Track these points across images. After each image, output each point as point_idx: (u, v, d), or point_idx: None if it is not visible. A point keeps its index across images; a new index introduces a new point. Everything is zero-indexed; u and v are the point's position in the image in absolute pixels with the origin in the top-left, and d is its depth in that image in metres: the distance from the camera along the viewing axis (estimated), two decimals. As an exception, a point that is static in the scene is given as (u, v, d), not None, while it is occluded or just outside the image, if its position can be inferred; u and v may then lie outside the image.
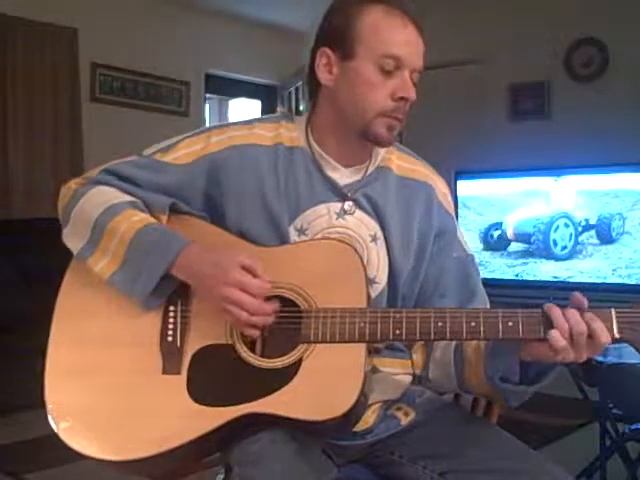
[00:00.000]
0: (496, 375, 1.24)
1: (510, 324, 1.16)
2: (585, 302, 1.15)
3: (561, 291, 4.59)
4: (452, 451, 1.30)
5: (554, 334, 1.12)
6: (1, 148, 4.60)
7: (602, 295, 4.32)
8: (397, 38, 1.28)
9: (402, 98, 1.28)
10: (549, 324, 1.13)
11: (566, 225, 4.74)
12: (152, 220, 1.28)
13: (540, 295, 4.64)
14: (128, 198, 1.31)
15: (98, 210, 1.28)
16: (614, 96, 4.83)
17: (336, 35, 1.30)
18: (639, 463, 2.56)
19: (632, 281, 4.50)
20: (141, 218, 1.27)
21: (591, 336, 1.12)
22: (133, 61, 5.22)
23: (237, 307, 1.18)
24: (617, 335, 1.13)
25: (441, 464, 1.30)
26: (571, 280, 4.70)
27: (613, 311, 1.14)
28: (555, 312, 1.14)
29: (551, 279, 4.78)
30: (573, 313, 1.13)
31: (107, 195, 1.31)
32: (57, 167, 4.76)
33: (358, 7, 1.30)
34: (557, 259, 4.77)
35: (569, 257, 4.73)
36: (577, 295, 1.16)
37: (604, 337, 1.12)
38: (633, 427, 2.52)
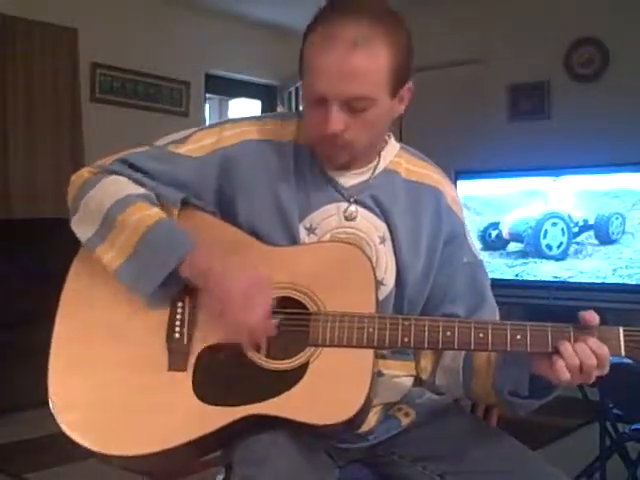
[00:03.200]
0: (505, 388, 1.24)
1: (518, 337, 1.15)
2: (596, 319, 1.14)
3: (561, 291, 4.60)
4: (452, 452, 1.30)
5: (565, 375, 1.12)
6: (1, 148, 4.59)
7: (602, 295, 4.33)
8: (316, 69, 1.20)
9: (323, 130, 1.22)
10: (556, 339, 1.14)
11: (554, 224, 4.74)
12: (164, 215, 1.27)
13: (540, 295, 4.65)
14: (141, 190, 1.29)
15: (110, 200, 1.26)
16: (614, 96, 4.83)
17: (300, 57, 1.27)
18: (639, 463, 2.56)
19: (632, 281, 4.51)
20: (154, 212, 1.26)
21: (599, 363, 1.13)
22: (133, 61, 5.22)
23: (236, 319, 1.17)
24: (624, 354, 1.14)
25: (441, 465, 1.30)
26: (571, 280, 4.70)
27: (621, 330, 1.14)
28: (565, 347, 1.13)
29: (551, 279, 4.78)
30: (582, 348, 1.13)
31: (120, 186, 1.29)
32: (57, 167, 4.75)
33: (309, 29, 1.24)
34: (551, 259, 4.77)
35: (567, 257, 4.73)
36: (586, 315, 1.15)
37: (607, 360, 1.13)
38: (633, 427, 2.52)
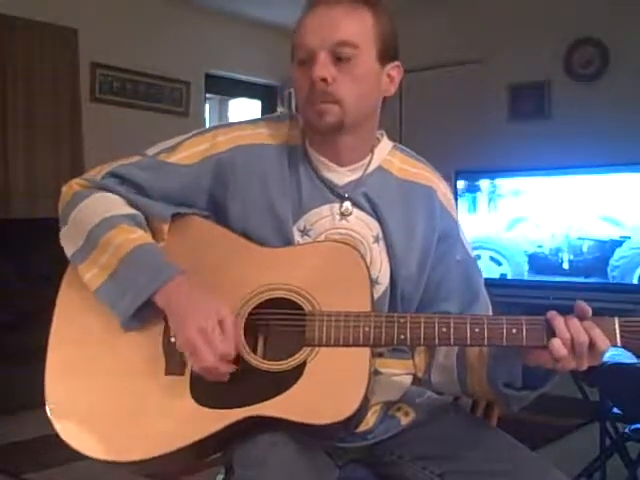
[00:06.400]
0: (499, 381, 1.24)
1: (514, 331, 1.15)
2: (589, 311, 1.14)
3: (561, 291, 4.60)
4: (451, 452, 1.30)
5: (555, 343, 1.12)
6: (1, 148, 4.60)
7: (602, 295, 4.33)
8: (303, 28, 1.27)
9: (311, 80, 1.25)
10: (551, 332, 1.13)
11: (553, 225, 4.74)
12: (147, 240, 1.27)
13: (540, 295, 4.65)
14: (128, 210, 1.29)
15: (95, 219, 1.26)
16: (614, 96, 4.83)
17: (291, 50, 1.32)
18: (639, 463, 2.56)
19: (632, 281, 4.51)
20: (137, 236, 1.26)
21: (591, 344, 1.12)
22: (133, 61, 5.22)
23: (194, 355, 1.17)
24: (620, 344, 1.13)
25: (440, 465, 1.30)
26: (571, 280, 4.70)
27: (616, 320, 1.14)
28: (557, 321, 1.13)
29: (551, 279, 4.78)
30: (575, 322, 1.13)
31: (107, 204, 1.29)
32: (57, 167, 4.76)
33: (301, 15, 1.31)
34: (551, 260, 4.78)
35: (566, 257, 4.73)
36: (580, 304, 1.15)
37: (603, 344, 1.12)
38: (633, 427, 2.52)
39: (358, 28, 1.26)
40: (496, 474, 1.25)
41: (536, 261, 4.82)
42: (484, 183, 5.04)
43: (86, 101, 5.01)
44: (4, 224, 4.35)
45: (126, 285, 1.22)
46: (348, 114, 1.28)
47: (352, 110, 1.28)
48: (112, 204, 1.29)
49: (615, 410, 2.52)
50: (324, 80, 1.24)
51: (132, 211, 1.29)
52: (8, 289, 3.97)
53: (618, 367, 2.24)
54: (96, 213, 1.27)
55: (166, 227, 1.30)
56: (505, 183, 4.99)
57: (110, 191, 1.31)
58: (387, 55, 1.31)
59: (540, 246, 4.81)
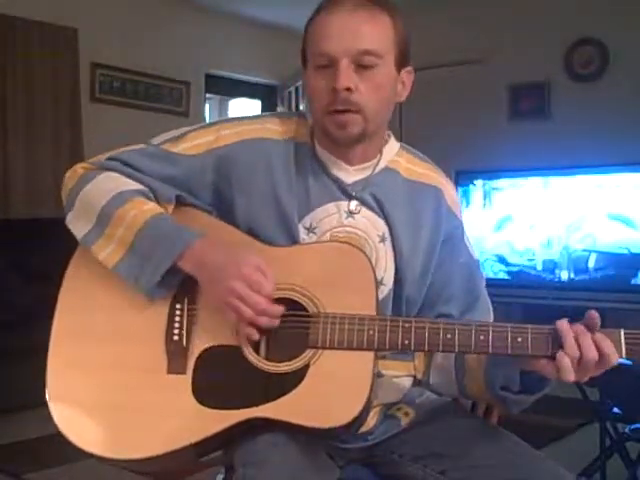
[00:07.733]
0: (497, 384, 1.24)
1: (519, 340, 1.15)
2: (598, 323, 1.13)
3: (560, 291, 4.60)
4: (452, 449, 1.30)
5: (564, 362, 1.10)
6: (1, 148, 4.59)
7: (602, 295, 4.33)
8: (323, 33, 1.25)
9: (334, 89, 1.24)
10: (557, 342, 1.12)
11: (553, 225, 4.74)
12: (162, 210, 1.27)
13: (540, 295, 4.65)
14: (137, 186, 1.28)
15: (106, 196, 1.26)
16: (614, 96, 4.83)
17: (301, 51, 1.33)
18: (639, 463, 2.56)
19: (632, 281, 4.50)
20: (151, 207, 1.26)
21: (601, 357, 1.11)
22: (133, 61, 5.21)
23: (243, 303, 1.16)
24: (625, 356, 1.13)
25: (441, 463, 1.30)
26: (570, 280, 4.70)
27: (622, 332, 1.13)
28: (567, 335, 1.12)
29: (550, 279, 4.78)
30: (586, 338, 1.11)
31: (115, 182, 1.28)
32: (57, 167, 4.75)
33: (310, 19, 1.30)
34: (550, 261, 4.78)
35: (564, 257, 4.73)
36: (593, 313, 1.13)
37: (614, 358, 1.11)
38: (633, 427, 2.52)
39: (380, 36, 1.26)
40: (496, 467, 1.24)
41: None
42: (483, 183, 5.04)
43: (86, 101, 5.01)
44: (4, 224, 4.35)
45: (148, 254, 1.21)
46: (369, 122, 1.28)
47: (373, 118, 1.28)
48: (120, 181, 1.29)
49: (615, 410, 2.52)
50: (348, 89, 1.24)
51: (140, 186, 1.29)
52: (8, 289, 3.97)
53: (618, 367, 2.24)
54: (105, 191, 1.27)
55: (170, 208, 1.30)
56: (504, 183, 4.99)
57: (115, 171, 1.31)
58: (403, 61, 1.31)
59: (531, 259, 4.79)
